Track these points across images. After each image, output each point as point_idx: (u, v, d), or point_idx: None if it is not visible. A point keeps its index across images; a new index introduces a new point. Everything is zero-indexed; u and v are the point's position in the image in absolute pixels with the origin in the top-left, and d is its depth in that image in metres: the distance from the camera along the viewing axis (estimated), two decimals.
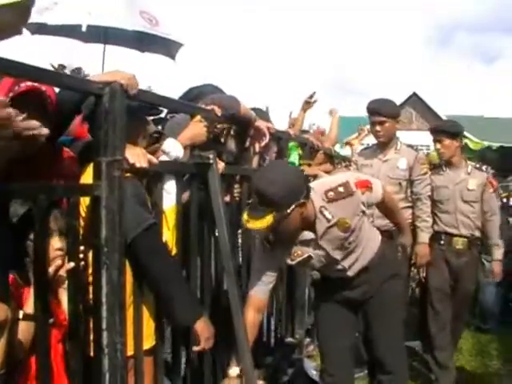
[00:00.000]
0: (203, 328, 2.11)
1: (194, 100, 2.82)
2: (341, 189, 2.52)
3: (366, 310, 2.80)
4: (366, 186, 2.63)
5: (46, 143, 1.89)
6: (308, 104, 4.70)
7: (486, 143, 11.27)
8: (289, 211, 2.32)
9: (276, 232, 2.42)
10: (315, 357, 4.53)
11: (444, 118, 33.45)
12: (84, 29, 4.92)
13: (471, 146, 11.77)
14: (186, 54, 6.45)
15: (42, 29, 5.57)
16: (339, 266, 2.67)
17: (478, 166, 4.15)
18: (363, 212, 2.62)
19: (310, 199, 2.44)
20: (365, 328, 2.85)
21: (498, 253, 4.06)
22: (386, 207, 2.92)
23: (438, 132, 4.01)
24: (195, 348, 2.17)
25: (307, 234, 2.54)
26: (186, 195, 2.45)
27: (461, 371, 4.35)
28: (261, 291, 2.58)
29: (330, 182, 2.60)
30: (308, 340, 4.56)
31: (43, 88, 1.85)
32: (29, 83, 1.81)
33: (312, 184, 2.60)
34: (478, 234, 3.98)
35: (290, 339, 3.88)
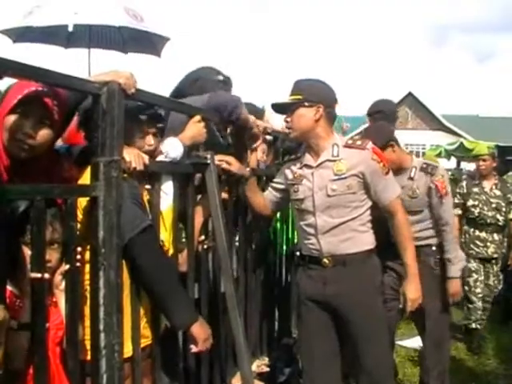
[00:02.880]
0: (199, 331, 2.09)
1: (192, 84, 2.86)
2: (359, 142, 2.75)
3: (346, 324, 2.69)
4: (382, 158, 2.71)
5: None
6: None
7: (482, 142, 11.28)
8: (307, 104, 2.65)
9: (291, 125, 2.72)
10: None
11: (439, 117, 33.71)
12: (71, 29, 4.93)
13: (466, 144, 11.81)
14: (173, 49, 6.46)
15: (23, 36, 5.56)
16: (312, 221, 2.69)
17: (425, 165, 3.41)
18: (366, 193, 2.68)
19: (331, 129, 2.74)
20: (348, 342, 2.74)
21: (451, 269, 3.34)
22: (396, 227, 2.77)
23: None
24: (193, 349, 2.16)
25: (310, 160, 2.76)
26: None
27: (457, 370, 4.36)
28: (268, 199, 2.98)
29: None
30: None
31: (46, 99, 1.83)
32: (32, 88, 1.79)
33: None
34: (425, 242, 3.34)
35: (286, 339, 3.87)
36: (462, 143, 11.94)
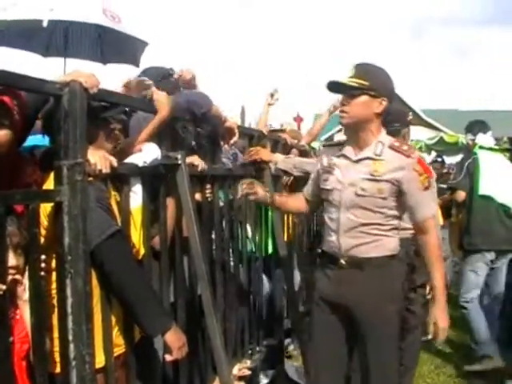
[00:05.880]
0: (173, 339, 2.02)
1: None
2: (405, 147, 2.50)
3: (356, 329, 2.56)
4: (426, 171, 2.47)
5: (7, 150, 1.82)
6: (272, 97, 4.33)
7: (462, 136, 11.36)
8: (373, 94, 2.42)
9: (348, 110, 2.47)
10: (296, 357, 4.49)
11: (419, 112, 33.91)
12: (45, 24, 4.84)
13: (446, 138, 11.90)
14: (151, 55, 6.34)
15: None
16: (336, 216, 2.52)
17: None
18: (395, 200, 2.47)
19: (381, 126, 2.52)
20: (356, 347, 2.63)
21: None
22: (426, 246, 2.51)
23: None
24: (168, 358, 2.08)
25: (350, 152, 2.56)
26: None
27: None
28: (308, 192, 2.82)
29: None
30: (288, 341, 4.51)
31: (5, 98, 1.76)
32: None
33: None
34: None
35: (270, 340, 3.81)
36: (441, 137, 12.04)
